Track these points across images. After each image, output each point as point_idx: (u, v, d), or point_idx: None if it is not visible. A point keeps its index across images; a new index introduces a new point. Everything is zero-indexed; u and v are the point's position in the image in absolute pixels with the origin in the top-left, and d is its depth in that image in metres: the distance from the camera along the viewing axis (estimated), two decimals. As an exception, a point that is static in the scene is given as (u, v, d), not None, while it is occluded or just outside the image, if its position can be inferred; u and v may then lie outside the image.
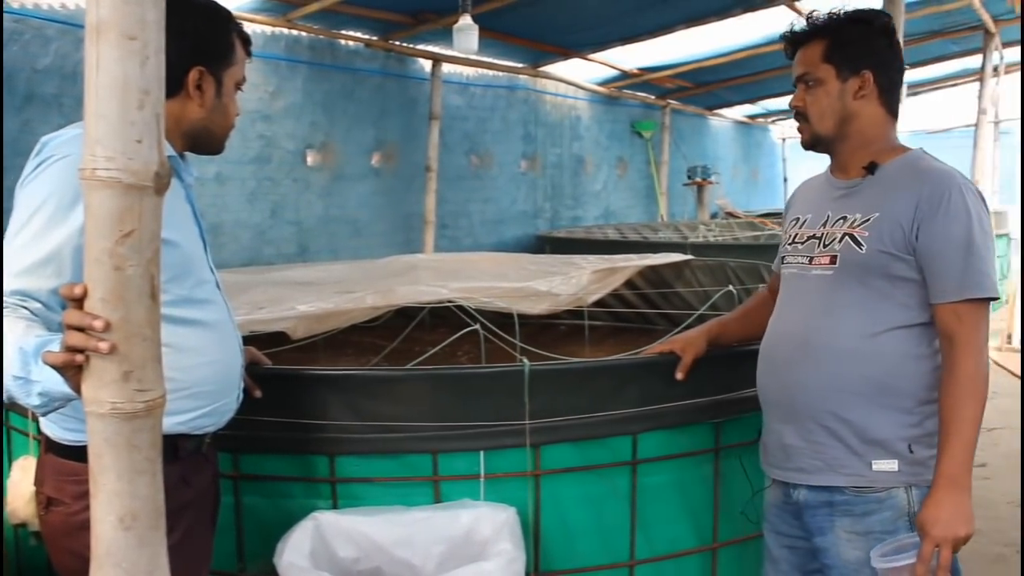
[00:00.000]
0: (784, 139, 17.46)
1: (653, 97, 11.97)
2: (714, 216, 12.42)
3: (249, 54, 2.02)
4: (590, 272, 4.40)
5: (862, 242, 2.02)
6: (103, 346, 1.20)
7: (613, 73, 10.39)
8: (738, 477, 2.61)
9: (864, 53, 2.10)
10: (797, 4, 7.89)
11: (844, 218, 2.09)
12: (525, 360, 2.35)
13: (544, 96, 10.07)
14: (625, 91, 11.30)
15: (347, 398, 2.33)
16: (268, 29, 6.75)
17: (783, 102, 13.41)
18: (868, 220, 2.03)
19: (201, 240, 1.95)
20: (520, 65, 9.31)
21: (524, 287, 3.98)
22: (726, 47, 9.61)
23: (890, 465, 2.01)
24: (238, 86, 1.99)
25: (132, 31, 1.14)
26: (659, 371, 2.54)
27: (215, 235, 6.43)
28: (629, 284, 5.06)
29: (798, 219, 2.25)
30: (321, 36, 7.19)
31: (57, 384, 1.39)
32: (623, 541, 2.49)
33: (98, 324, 1.19)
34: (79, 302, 1.23)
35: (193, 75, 1.85)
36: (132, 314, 1.20)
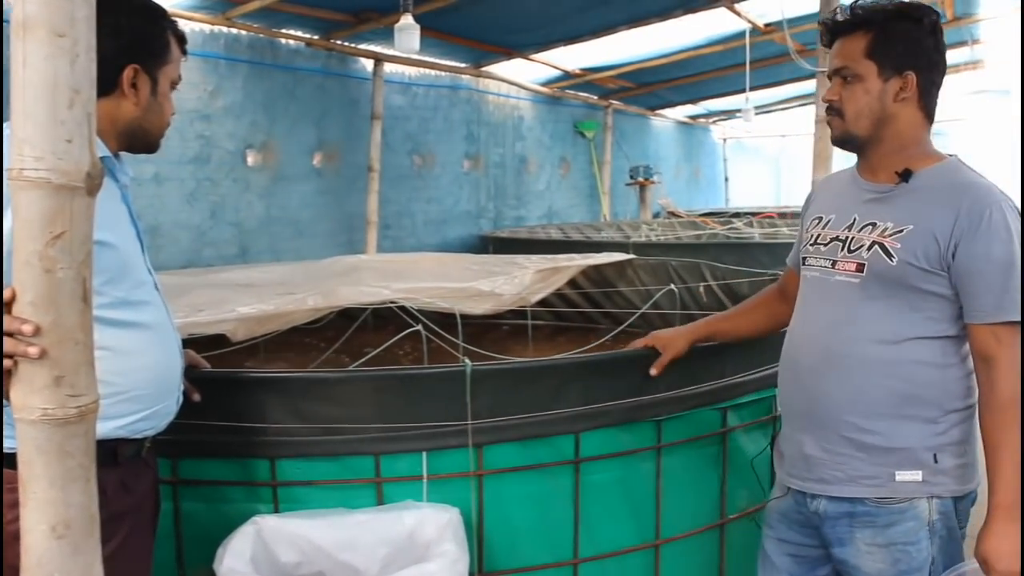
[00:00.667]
0: (725, 139, 17.67)
1: (595, 97, 12.04)
2: (656, 215, 12.52)
3: (185, 52, 2.00)
4: (533, 272, 4.41)
5: (893, 253, 1.94)
6: (32, 351, 1.17)
7: (555, 73, 10.44)
8: (680, 474, 2.65)
9: (910, 52, 1.99)
10: (737, 6, 8.00)
11: (873, 224, 2.01)
12: (467, 360, 2.34)
13: (487, 96, 10.07)
14: (567, 91, 11.36)
15: (288, 401, 2.30)
16: (207, 27, 6.67)
17: (724, 103, 13.62)
18: (901, 232, 1.95)
19: (138, 241, 1.92)
20: (463, 65, 9.32)
21: (467, 287, 3.98)
22: (668, 48, 9.72)
23: (914, 475, 1.95)
24: (173, 85, 1.96)
25: (61, 28, 1.12)
26: (601, 370, 2.56)
27: (153, 236, 6.33)
28: (572, 283, 5.08)
29: (820, 218, 2.16)
30: (261, 35, 7.12)
31: None
32: (567, 540, 2.49)
33: (27, 328, 1.17)
34: (8, 306, 1.20)
35: (127, 73, 1.82)
36: (63, 318, 1.18)
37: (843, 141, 2.08)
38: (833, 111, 2.05)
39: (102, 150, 1.76)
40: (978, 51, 11.70)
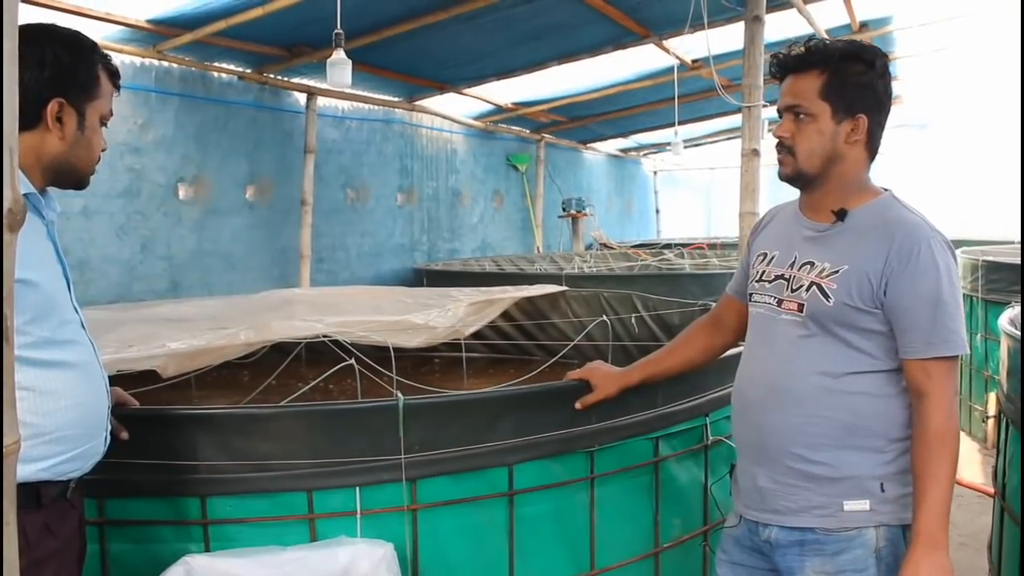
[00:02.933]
0: (656, 172, 17.91)
1: (528, 131, 12.13)
2: (589, 247, 12.63)
3: (117, 88, 1.97)
4: (467, 304, 4.42)
5: (830, 294, 2.00)
6: None
7: (488, 107, 10.51)
8: (613, 504, 2.66)
9: (862, 96, 2.04)
10: (666, 43, 8.15)
11: (812, 264, 2.06)
12: (400, 394, 2.34)
13: (420, 129, 10.09)
14: (500, 125, 11.43)
15: (218, 437, 2.27)
16: (137, 60, 6.58)
17: (654, 136, 13.83)
18: (837, 272, 2.01)
19: (64, 279, 1.87)
20: (396, 99, 9.33)
21: (401, 320, 3.97)
22: (598, 83, 9.85)
23: (862, 505, 2.00)
24: (104, 120, 1.92)
25: None
26: (534, 402, 2.57)
27: (82, 271, 6.21)
28: (506, 316, 5.10)
29: (765, 255, 2.21)
30: (193, 68, 7.05)
31: None
32: (502, 572, 2.49)
33: None
34: None
35: (52, 107, 1.79)
36: None
37: (792, 178, 2.11)
38: (784, 148, 2.09)
39: (26, 186, 1.73)
40: (897, 87, 12.09)
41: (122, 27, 6.08)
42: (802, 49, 2.07)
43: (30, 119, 1.76)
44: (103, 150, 1.94)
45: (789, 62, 2.08)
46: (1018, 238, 9.51)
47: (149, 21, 6.12)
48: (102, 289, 6.36)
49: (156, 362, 3.31)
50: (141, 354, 3.20)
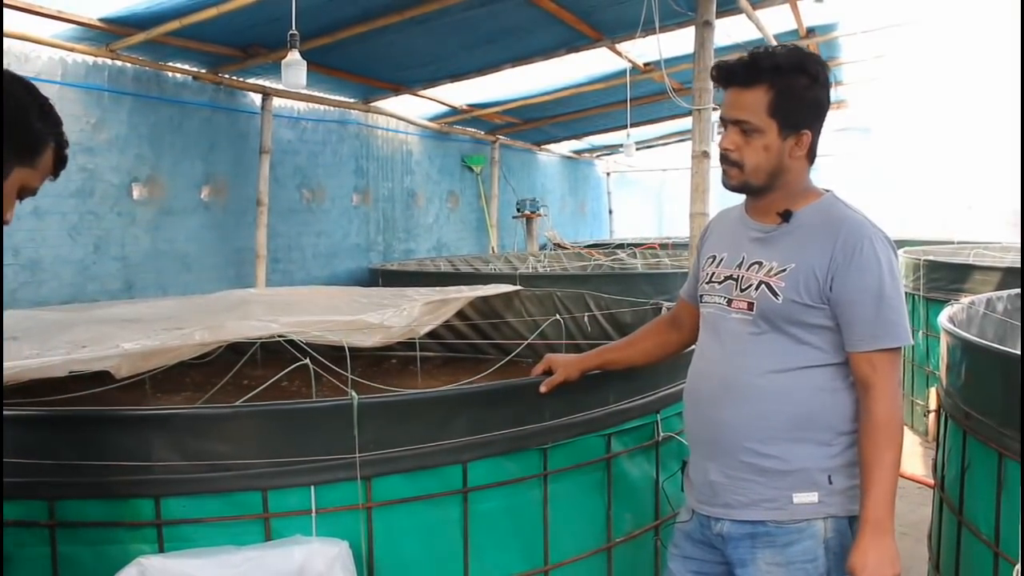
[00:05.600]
0: (608, 173, 18.02)
1: (483, 132, 12.16)
2: (543, 248, 12.68)
3: (56, 175, 1.80)
4: (422, 304, 4.43)
5: (778, 292, 2.06)
6: None
7: (443, 109, 10.53)
8: (566, 500, 2.70)
9: (808, 112, 2.08)
10: (618, 46, 8.22)
11: (760, 264, 2.12)
12: (354, 393, 2.35)
13: (375, 131, 10.08)
14: (455, 127, 11.45)
15: (172, 437, 2.27)
16: (90, 59, 6.50)
17: (607, 138, 13.93)
18: (784, 271, 2.06)
19: None
20: (351, 100, 9.32)
21: (356, 320, 3.97)
22: (552, 85, 9.92)
23: (810, 497, 2.05)
24: (24, 192, 1.73)
25: None
26: (487, 400, 2.60)
27: (33, 271, 6.14)
28: (461, 315, 5.11)
29: (714, 257, 2.27)
30: (147, 67, 6.99)
31: None
32: (457, 569, 2.52)
33: None
34: None
35: None
36: None
37: (739, 189, 2.16)
38: (730, 161, 2.12)
39: None
40: (841, 92, 12.34)
41: (74, 25, 6.02)
42: (747, 58, 2.09)
43: None
44: (7, 222, 1.73)
45: (735, 72, 2.10)
46: (955, 239, 9.75)
47: (101, 20, 6.06)
48: (55, 289, 6.29)
49: (110, 363, 3.28)
50: (94, 355, 3.18)
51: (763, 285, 2.09)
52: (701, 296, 2.29)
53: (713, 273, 2.24)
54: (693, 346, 2.39)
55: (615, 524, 2.88)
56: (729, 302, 2.17)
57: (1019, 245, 8.24)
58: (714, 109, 5.64)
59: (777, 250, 2.12)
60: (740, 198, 2.27)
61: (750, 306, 2.11)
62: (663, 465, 3.05)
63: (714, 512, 2.18)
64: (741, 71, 2.08)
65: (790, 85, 2.05)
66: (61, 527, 2.26)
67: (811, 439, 2.07)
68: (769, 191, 2.13)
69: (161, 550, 2.25)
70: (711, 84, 5.61)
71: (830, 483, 2.06)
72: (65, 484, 2.19)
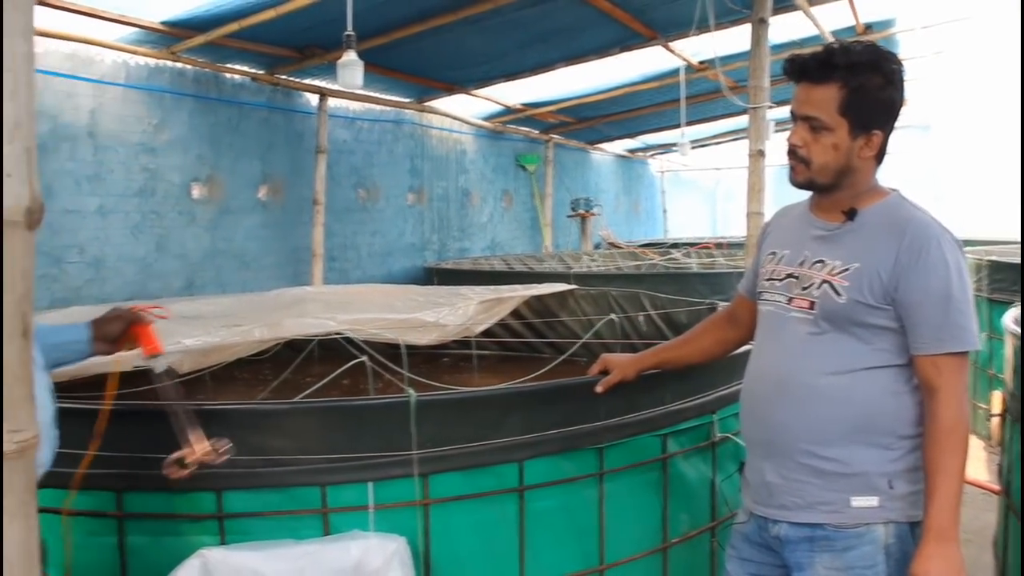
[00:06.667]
0: (662, 172, 17.92)
1: (536, 132, 12.16)
2: (597, 247, 12.65)
3: None
4: (477, 303, 4.44)
5: (841, 291, 2.01)
6: None
7: (497, 108, 10.54)
8: (622, 500, 2.69)
9: (880, 112, 2.03)
10: (672, 44, 8.17)
11: (823, 262, 2.07)
12: (411, 391, 2.37)
13: (430, 130, 10.14)
14: (509, 126, 11.47)
15: (233, 432, 2.29)
16: (152, 61, 6.64)
17: (661, 137, 13.84)
18: (848, 270, 2.02)
19: None
20: (406, 100, 9.37)
21: (412, 318, 4.00)
22: (606, 84, 9.88)
23: (870, 501, 2.00)
24: None
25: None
26: (543, 399, 2.60)
27: (98, 269, 6.28)
28: (515, 314, 5.12)
29: (775, 254, 2.22)
30: (206, 69, 7.10)
31: None
32: (512, 566, 2.52)
33: None
34: None
35: None
36: (3, 353, 1.16)
37: (804, 185, 2.12)
38: (798, 157, 2.08)
39: None
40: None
41: (136, 29, 6.15)
42: (821, 53, 2.04)
43: None
44: None
45: (807, 67, 2.04)
46: (1018, 238, 9.52)
47: (163, 23, 6.18)
48: (118, 287, 6.42)
49: (172, 358, 3.34)
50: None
51: (825, 284, 2.05)
52: (760, 293, 2.25)
53: (773, 270, 2.20)
54: (750, 345, 2.36)
55: (671, 525, 2.86)
56: (789, 300, 2.13)
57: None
58: (769, 107, 5.58)
59: (841, 249, 2.07)
60: (802, 195, 2.24)
61: (811, 305, 2.07)
62: (720, 466, 3.02)
63: (770, 513, 2.14)
64: (814, 66, 2.03)
65: (863, 84, 2.00)
66: (128, 518, 2.32)
67: (872, 442, 2.02)
68: (835, 189, 2.09)
69: (222, 542, 2.28)
70: (767, 82, 5.55)
71: (891, 488, 2.01)
72: (132, 476, 2.24)
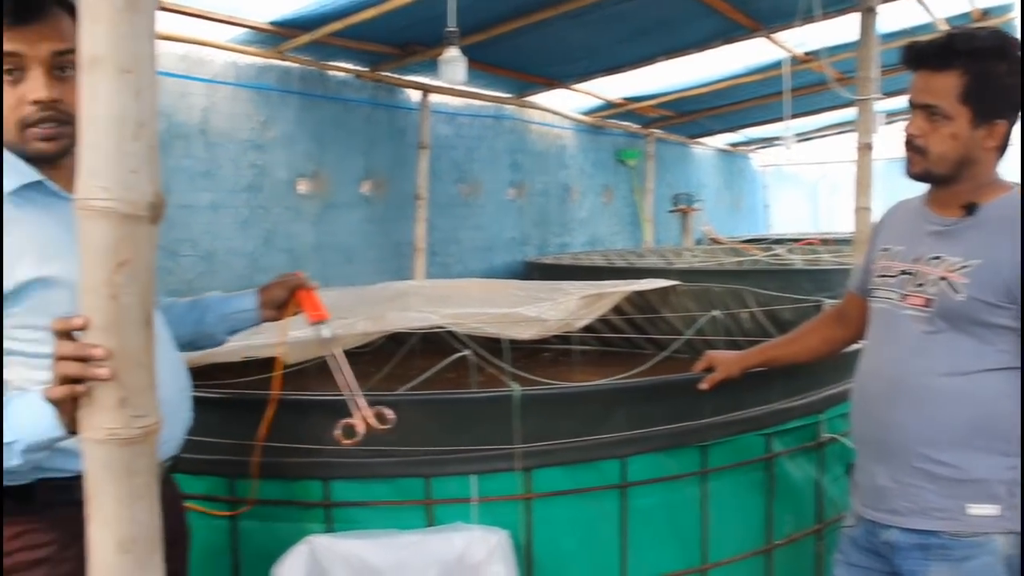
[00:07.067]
0: (765, 167, 17.60)
1: (637, 126, 12.08)
2: (698, 242, 12.50)
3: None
4: (578, 298, 4.43)
5: (960, 289, 1.92)
6: (103, 372, 1.19)
7: (598, 103, 10.50)
8: (725, 499, 2.65)
9: (1004, 100, 1.93)
10: (776, 36, 8.01)
11: (939, 258, 1.98)
12: (515, 385, 2.37)
13: (530, 125, 10.16)
14: (609, 120, 11.41)
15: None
16: (260, 61, 6.83)
17: (764, 131, 13.59)
18: (967, 267, 1.92)
19: None
20: (506, 95, 9.41)
21: (513, 313, 4.00)
22: (707, 77, 9.76)
23: (988, 510, 1.91)
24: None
25: (127, 64, 1.15)
26: (647, 395, 2.58)
27: (209, 262, 6.48)
28: (616, 309, 5.09)
29: (888, 249, 2.13)
30: (312, 67, 7.26)
31: (39, 433, 1.38)
32: (614, 563, 2.51)
33: (98, 352, 1.19)
34: (69, 334, 1.23)
35: None
36: (128, 342, 1.21)
37: (920, 177, 2.03)
38: (914, 147, 1.99)
39: (33, 174, 1.62)
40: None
41: (246, 29, 6.33)
42: (942, 39, 1.95)
43: None
44: (34, 102, 1.57)
45: (926, 54, 1.96)
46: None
47: (271, 23, 6.35)
48: (227, 280, 6.61)
49: (279, 350, 3.42)
50: (264, 342, 3.31)
51: (943, 281, 1.95)
52: (872, 290, 2.16)
53: (887, 266, 2.11)
54: (860, 344, 2.29)
55: (776, 526, 2.80)
56: (903, 297, 2.04)
57: None
58: (878, 99, 5.43)
59: (960, 245, 1.97)
60: (914, 190, 2.15)
61: (927, 302, 1.98)
62: (827, 467, 2.95)
63: (881, 518, 2.05)
64: (933, 53, 1.94)
65: (987, 71, 1.90)
66: (240, 503, 2.38)
67: (990, 448, 1.92)
68: (953, 182, 1.98)
69: (329, 530, 2.33)
70: (876, 73, 5.39)
71: (1011, 496, 1.91)
72: (243, 463, 2.29)
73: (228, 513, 2.37)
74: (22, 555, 1.60)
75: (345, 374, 2.09)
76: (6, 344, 1.56)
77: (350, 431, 2.05)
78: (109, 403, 1.21)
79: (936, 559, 1.95)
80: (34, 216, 1.59)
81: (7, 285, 1.53)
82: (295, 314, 2.17)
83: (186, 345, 2.07)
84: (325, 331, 2.11)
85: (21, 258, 1.54)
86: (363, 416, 2.05)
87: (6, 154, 1.60)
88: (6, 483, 1.55)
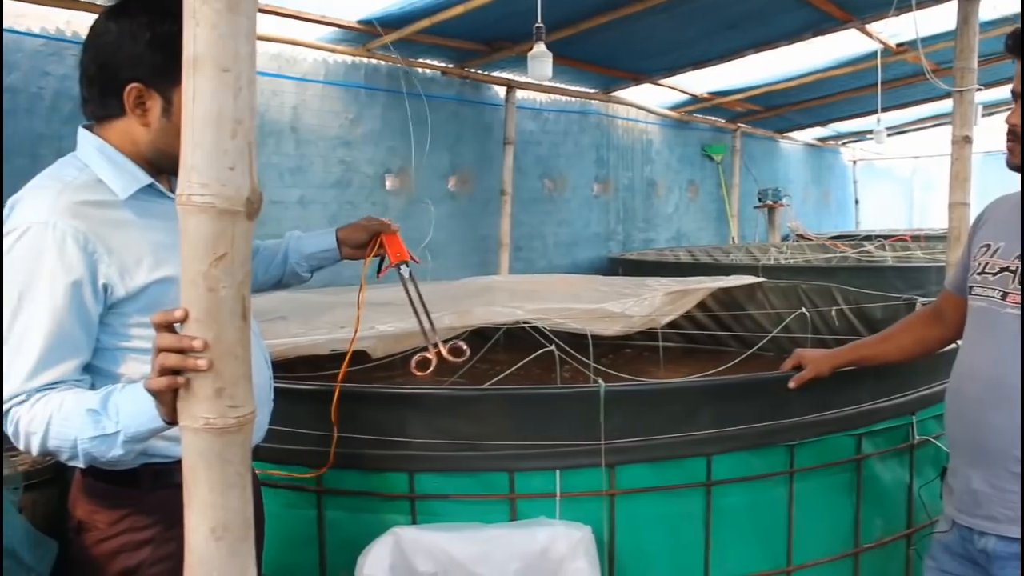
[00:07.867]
0: (855, 161, 17.21)
1: (723, 121, 11.94)
2: (785, 238, 12.31)
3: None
4: (663, 294, 4.40)
5: None
6: (202, 363, 1.22)
7: (683, 97, 10.40)
8: (812, 500, 2.61)
9: None
10: (868, 27, 7.82)
11: None
12: (600, 381, 2.37)
13: (616, 120, 10.11)
14: (695, 115, 11.29)
15: (426, 416, 2.38)
16: (348, 58, 6.95)
17: (854, 124, 13.30)
18: None
19: None
20: (592, 90, 9.38)
21: (598, 308, 4.00)
22: (796, 71, 9.57)
23: None
24: None
25: (226, 64, 1.18)
26: (733, 393, 2.55)
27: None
28: (702, 306, 5.05)
29: (988, 246, 2.06)
30: (399, 65, 7.34)
31: (141, 424, 1.43)
32: (697, 562, 2.49)
33: (197, 344, 1.22)
34: (170, 327, 1.27)
35: (130, 92, 1.63)
36: (224, 334, 1.24)
37: (1021, 169, 1.96)
38: (1016, 137, 1.93)
39: (144, 177, 1.70)
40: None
41: (335, 28, 6.43)
42: None
43: (114, 107, 1.66)
44: None
45: None
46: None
47: (359, 22, 6.43)
48: (317, 274, 6.71)
49: (366, 343, 3.49)
50: (348, 335, 3.38)
51: None
52: (971, 288, 2.09)
53: (987, 264, 2.03)
54: (955, 344, 2.22)
55: (864, 529, 2.75)
56: (1004, 296, 1.96)
57: None
58: (978, 90, 5.26)
59: None
60: (1015, 184, 2.08)
61: None
62: (918, 470, 2.88)
63: (976, 524, 1.98)
64: None
65: None
66: (326, 493, 2.43)
67: None
68: None
69: (413, 522, 2.36)
70: (975, 63, 5.23)
71: None
72: (329, 454, 2.33)
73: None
74: (127, 536, 1.69)
75: (420, 305, 2.20)
76: (124, 343, 1.64)
77: (425, 364, 2.12)
78: (206, 393, 1.24)
79: None
80: (147, 219, 1.68)
81: (128, 289, 1.61)
82: (378, 255, 2.25)
83: (276, 284, 2.25)
84: (405, 271, 2.21)
85: (140, 262, 1.63)
86: (438, 350, 2.09)
87: (122, 160, 1.68)
88: (111, 469, 1.63)
